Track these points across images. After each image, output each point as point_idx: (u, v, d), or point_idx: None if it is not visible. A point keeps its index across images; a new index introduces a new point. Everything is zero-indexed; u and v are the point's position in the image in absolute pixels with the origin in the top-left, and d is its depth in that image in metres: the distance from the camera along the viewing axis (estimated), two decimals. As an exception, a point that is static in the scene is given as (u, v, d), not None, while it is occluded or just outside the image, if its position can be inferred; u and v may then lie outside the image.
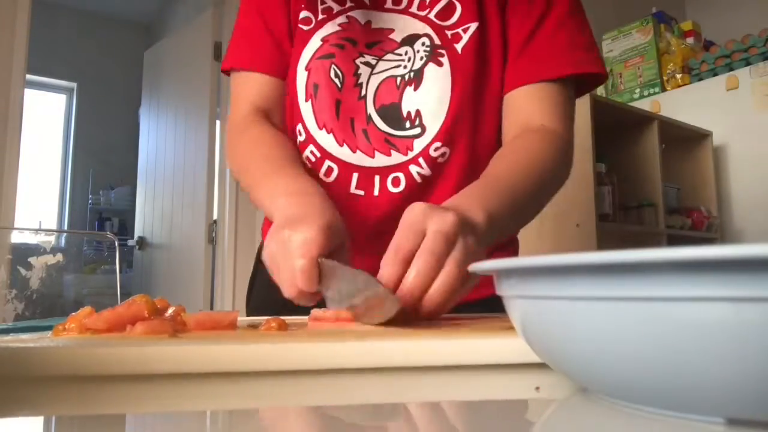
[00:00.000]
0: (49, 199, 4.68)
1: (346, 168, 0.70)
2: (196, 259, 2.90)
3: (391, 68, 0.70)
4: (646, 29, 2.73)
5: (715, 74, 2.55)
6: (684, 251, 0.17)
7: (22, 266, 0.80)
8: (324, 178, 0.71)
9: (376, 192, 0.70)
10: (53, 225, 4.60)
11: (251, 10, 0.78)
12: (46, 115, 4.68)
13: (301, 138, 0.73)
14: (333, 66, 0.70)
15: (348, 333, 0.38)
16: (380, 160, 0.69)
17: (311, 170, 0.72)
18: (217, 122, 2.97)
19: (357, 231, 0.63)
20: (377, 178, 0.70)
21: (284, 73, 0.76)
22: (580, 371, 0.23)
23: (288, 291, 0.47)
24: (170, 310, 0.40)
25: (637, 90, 2.76)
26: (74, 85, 4.75)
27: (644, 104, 2.66)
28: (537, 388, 0.28)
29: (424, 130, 0.69)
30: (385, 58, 0.70)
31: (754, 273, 0.16)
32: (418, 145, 0.69)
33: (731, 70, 2.49)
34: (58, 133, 4.79)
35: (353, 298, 0.44)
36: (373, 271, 0.46)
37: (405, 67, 0.70)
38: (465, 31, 0.70)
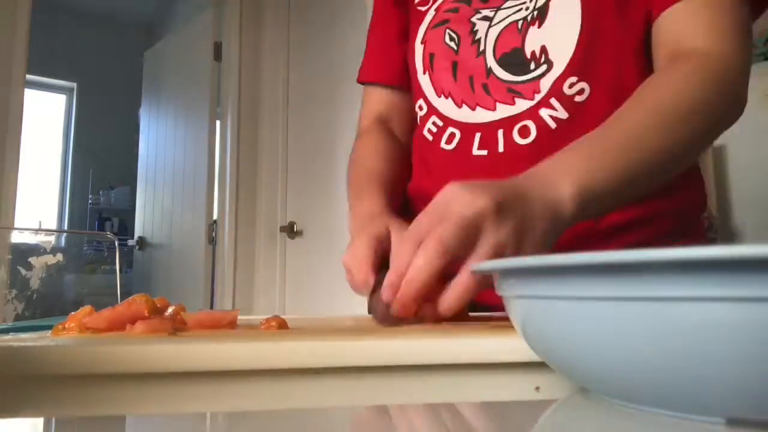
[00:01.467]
0: (49, 199, 4.68)
1: (468, 130, 0.65)
2: (196, 259, 2.90)
3: (512, 14, 0.64)
4: (646, 29, 2.73)
5: (715, 74, 2.54)
6: (684, 251, 0.17)
7: (22, 266, 0.80)
8: (446, 147, 0.66)
9: (501, 148, 0.62)
10: (53, 225, 4.61)
11: (376, 20, 0.81)
12: (46, 115, 4.68)
13: (421, 113, 0.71)
14: (447, 31, 0.67)
15: (347, 332, 0.37)
16: (502, 111, 0.62)
17: (432, 142, 0.68)
18: (217, 122, 2.97)
19: None
20: (500, 132, 0.62)
21: (406, 80, 0.76)
22: (580, 371, 0.23)
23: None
24: (170, 310, 0.40)
25: (637, 90, 2.76)
26: (74, 85, 4.75)
27: (644, 104, 2.65)
28: (537, 388, 0.28)
29: (550, 65, 0.61)
30: (504, 6, 0.64)
31: (755, 273, 0.16)
32: (546, 83, 0.60)
33: (731, 70, 2.48)
34: (58, 133, 4.79)
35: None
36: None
37: (527, 8, 0.63)
38: None
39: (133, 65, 4.24)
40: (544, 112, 0.60)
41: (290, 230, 2.63)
